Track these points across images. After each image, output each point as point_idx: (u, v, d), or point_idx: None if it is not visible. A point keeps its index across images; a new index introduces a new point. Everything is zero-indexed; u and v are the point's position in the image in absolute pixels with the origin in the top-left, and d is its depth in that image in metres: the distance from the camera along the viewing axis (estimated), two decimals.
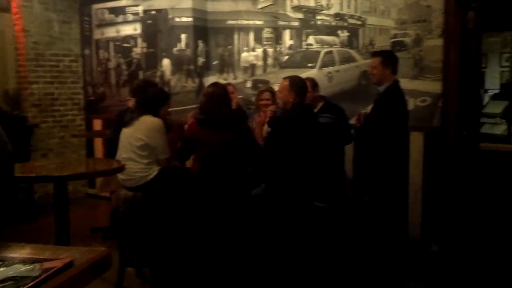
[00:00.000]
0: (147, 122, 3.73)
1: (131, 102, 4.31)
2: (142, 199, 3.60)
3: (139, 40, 6.27)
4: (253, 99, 5.01)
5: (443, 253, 4.25)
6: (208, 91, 3.89)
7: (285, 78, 3.98)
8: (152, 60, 6.15)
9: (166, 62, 6.00)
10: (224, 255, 3.68)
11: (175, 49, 5.91)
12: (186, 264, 3.77)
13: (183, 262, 3.79)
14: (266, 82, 5.38)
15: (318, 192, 3.83)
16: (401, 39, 4.70)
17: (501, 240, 4.18)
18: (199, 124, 3.79)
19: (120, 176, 3.72)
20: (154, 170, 3.69)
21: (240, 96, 5.22)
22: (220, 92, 3.82)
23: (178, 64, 5.91)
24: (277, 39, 5.41)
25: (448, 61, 4.41)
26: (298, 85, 3.88)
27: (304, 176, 3.74)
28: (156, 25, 6.09)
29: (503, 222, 4.19)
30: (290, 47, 5.34)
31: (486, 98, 6.73)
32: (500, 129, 5.61)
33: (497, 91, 6.92)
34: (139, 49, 6.29)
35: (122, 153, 3.76)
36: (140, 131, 3.70)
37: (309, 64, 5.19)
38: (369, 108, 4.23)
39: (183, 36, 5.83)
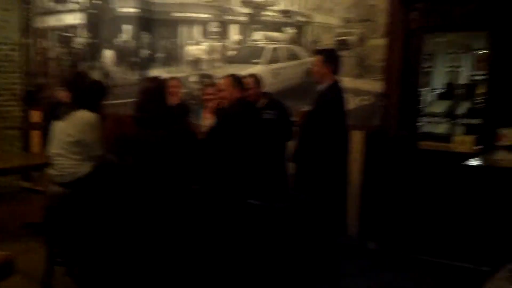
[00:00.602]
0: (82, 118, 3.59)
1: (61, 94, 4.13)
2: (72, 196, 3.46)
3: (81, 30, 6.05)
4: (198, 93, 4.92)
5: (379, 250, 4.31)
6: (143, 87, 3.76)
7: (227, 75, 3.93)
8: (94, 51, 5.95)
9: (108, 54, 5.81)
10: (156, 253, 3.58)
11: (118, 40, 5.74)
12: (115, 263, 3.65)
13: (112, 261, 3.66)
14: (211, 77, 5.29)
15: (257, 190, 3.79)
16: (345, 37, 4.71)
17: (436, 237, 4.27)
18: (133, 122, 3.67)
19: (51, 171, 3.57)
20: (86, 167, 3.56)
21: (184, 91, 5.12)
22: (156, 88, 3.70)
23: (121, 55, 5.75)
24: (224, 33, 5.33)
25: (390, 61, 4.46)
26: (240, 82, 3.84)
27: (241, 172, 3.69)
28: (99, 15, 5.89)
29: (438, 219, 4.27)
30: (237, 42, 5.27)
31: (433, 98, 6.87)
32: (442, 128, 5.72)
33: (442, 90, 7.07)
34: (81, 39, 6.07)
35: (53, 148, 3.60)
36: (74, 126, 3.55)
37: (255, 60, 5.14)
38: (309, 107, 4.22)
39: (127, 27, 5.66)
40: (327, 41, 4.75)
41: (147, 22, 5.62)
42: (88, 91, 3.71)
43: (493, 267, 3.82)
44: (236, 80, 3.87)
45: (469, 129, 4.89)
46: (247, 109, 3.88)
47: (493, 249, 3.90)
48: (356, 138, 4.44)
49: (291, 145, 4.53)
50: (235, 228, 3.61)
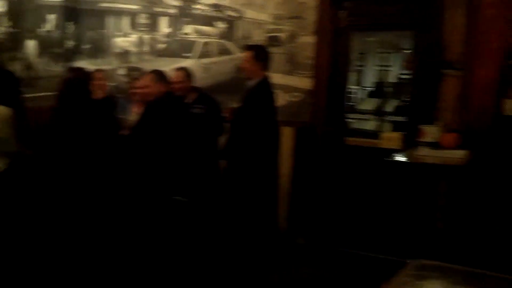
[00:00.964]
0: None
1: None
2: None
3: (2, 19, 5.70)
4: (126, 87, 4.77)
5: (307, 245, 4.34)
6: (65, 78, 3.60)
7: (149, 72, 3.83)
8: (16, 41, 5.63)
9: (31, 44, 5.51)
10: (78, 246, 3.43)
11: (41, 30, 5.46)
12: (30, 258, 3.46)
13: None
14: (140, 70, 5.13)
15: (184, 186, 3.72)
16: (276, 34, 4.71)
17: (363, 231, 4.34)
18: (53, 113, 3.50)
19: None
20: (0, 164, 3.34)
21: (111, 84, 4.93)
22: (78, 79, 3.55)
23: (44, 46, 5.47)
24: (153, 26, 5.18)
25: (320, 59, 4.50)
26: (163, 76, 3.76)
27: (167, 168, 3.60)
28: (21, 3, 5.57)
29: (365, 213, 4.35)
30: (167, 35, 5.14)
31: (363, 95, 7.01)
32: (371, 125, 5.84)
33: (373, 89, 7.23)
34: (1, 28, 5.72)
35: None
36: None
37: (186, 54, 5.04)
38: (239, 103, 4.19)
39: (50, 17, 5.39)
40: (258, 37, 4.74)
41: (73, 11, 5.39)
42: (2, 85, 3.49)
43: (414, 258, 3.97)
44: (159, 75, 3.79)
45: (396, 126, 5.00)
46: (173, 103, 3.79)
47: (416, 242, 4.03)
48: (286, 134, 4.45)
49: (222, 140, 4.49)
50: (158, 224, 3.54)
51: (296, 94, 4.58)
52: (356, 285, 3.71)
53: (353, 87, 5.72)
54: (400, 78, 6.55)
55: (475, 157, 3.58)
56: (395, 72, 6.98)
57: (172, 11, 5.08)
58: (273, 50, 4.35)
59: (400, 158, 3.89)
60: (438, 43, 4.07)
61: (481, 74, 3.87)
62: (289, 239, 4.43)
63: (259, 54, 3.95)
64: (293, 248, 4.33)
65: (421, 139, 3.84)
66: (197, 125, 4.06)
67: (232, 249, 3.83)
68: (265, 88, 3.93)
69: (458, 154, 3.56)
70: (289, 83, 4.59)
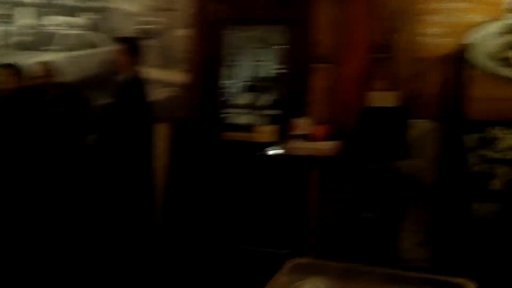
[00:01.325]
0: None
1: None
2: None
3: None
4: None
5: (185, 243, 4.26)
6: None
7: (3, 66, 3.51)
8: None
9: None
10: None
11: None
12: None
13: None
14: None
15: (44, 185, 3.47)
16: (148, 26, 4.54)
17: (242, 225, 4.36)
18: None
19: None
20: None
21: None
22: None
23: None
24: (12, 16, 4.71)
25: (194, 52, 4.44)
26: (18, 71, 3.46)
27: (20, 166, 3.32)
28: None
29: (243, 208, 4.37)
30: (28, 27, 4.70)
31: (239, 90, 7.06)
32: (246, 119, 5.90)
33: (247, 83, 7.32)
34: None
35: None
36: None
37: (49, 47, 4.65)
38: (110, 98, 3.98)
39: None
40: (129, 30, 4.53)
41: None
42: None
43: (292, 249, 4.08)
44: (13, 70, 3.47)
45: (271, 120, 5.10)
46: (29, 99, 3.50)
47: (292, 233, 4.14)
48: (161, 131, 4.31)
49: (90, 139, 4.24)
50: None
51: (170, 89, 4.46)
52: (232, 280, 3.72)
53: (228, 82, 5.73)
54: (274, 73, 6.72)
55: (345, 148, 3.75)
56: (270, 66, 7.14)
57: (33, 0, 4.66)
58: (145, 43, 4.19)
59: (274, 151, 3.94)
60: (310, 37, 4.19)
61: (349, 67, 4.06)
62: (164, 237, 4.30)
63: (131, 47, 3.84)
64: (168, 245, 4.22)
65: (294, 132, 3.94)
66: (59, 123, 3.77)
67: (105, 249, 3.65)
68: (137, 83, 3.81)
69: (328, 145, 3.70)
70: (163, 77, 4.46)
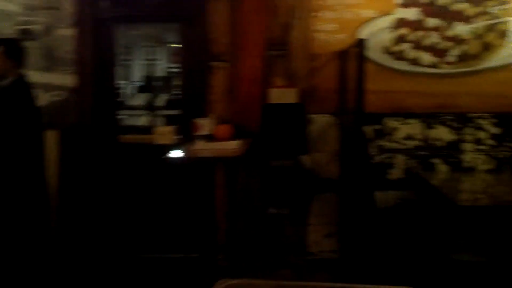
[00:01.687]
0: None
1: None
2: None
3: None
4: None
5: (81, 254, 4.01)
6: None
7: None
8: None
9: None
10: None
11: None
12: None
13: None
14: None
15: None
16: (29, 26, 4.20)
17: (145, 232, 4.20)
18: None
19: None
20: None
21: None
22: None
23: None
24: None
25: (81, 53, 4.16)
26: None
27: None
28: None
29: (145, 214, 4.20)
30: None
31: (133, 91, 6.81)
32: (143, 120, 5.71)
33: (142, 83, 7.09)
34: None
35: None
36: None
37: None
38: None
39: None
40: (7, 30, 4.14)
41: None
42: None
43: (201, 253, 4.00)
44: None
45: (169, 121, 4.95)
46: None
47: (201, 237, 4.05)
48: (50, 138, 3.98)
49: None
50: None
51: (57, 92, 4.14)
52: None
53: (121, 83, 5.48)
54: (169, 72, 6.55)
55: (250, 146, 3.72)
56: (163, 65, 6.97)
57: None
58: (26, 44, 3.87)
59: (176, 153, 3.82)
60: (204, 35, 4.10)
61: (246, 65, 4.02)
62: (59, 248, 4.00)
63: (11, 49, 3.57)
64: (63, 256, 3.94)
65: (196, 133, 3.83)
66: None
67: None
68: (22, 87, 3.53)
69: (233, 145, 3.64)
70: (48, 81, 4.13)
